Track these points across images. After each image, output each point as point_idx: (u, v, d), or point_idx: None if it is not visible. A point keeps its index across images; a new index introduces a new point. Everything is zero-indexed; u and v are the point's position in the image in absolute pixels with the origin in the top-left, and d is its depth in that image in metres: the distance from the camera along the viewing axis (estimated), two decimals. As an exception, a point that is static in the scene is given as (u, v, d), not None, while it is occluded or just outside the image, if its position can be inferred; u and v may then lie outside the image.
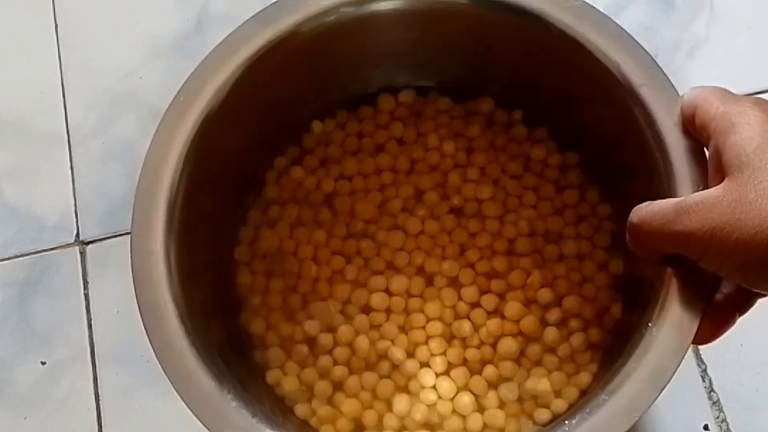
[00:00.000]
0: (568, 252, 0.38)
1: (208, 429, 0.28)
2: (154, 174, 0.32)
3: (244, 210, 0.40)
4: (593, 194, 0.39)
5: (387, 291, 0.37)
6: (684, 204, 0.26)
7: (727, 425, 0.41)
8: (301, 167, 0.40)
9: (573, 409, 0.32)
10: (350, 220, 0.39)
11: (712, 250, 0.26)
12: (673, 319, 0.28)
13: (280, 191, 0.40)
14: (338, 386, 0.36)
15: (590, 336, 0.36)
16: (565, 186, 0.39)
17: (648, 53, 0.32)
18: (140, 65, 0.50)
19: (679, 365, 0.28)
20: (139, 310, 0.30)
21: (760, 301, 0.29)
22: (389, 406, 0.36)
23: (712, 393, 0.41)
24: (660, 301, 0.29)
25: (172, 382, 0.29)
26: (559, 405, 0.35)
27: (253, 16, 0.34)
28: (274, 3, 0.34)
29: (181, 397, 0.29)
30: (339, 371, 0.36)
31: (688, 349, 0.28)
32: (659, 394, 0.27)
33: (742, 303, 0.29)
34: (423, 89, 0.41)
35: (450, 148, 0.40)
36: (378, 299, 0.37)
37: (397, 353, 0.36)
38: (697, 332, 0.28)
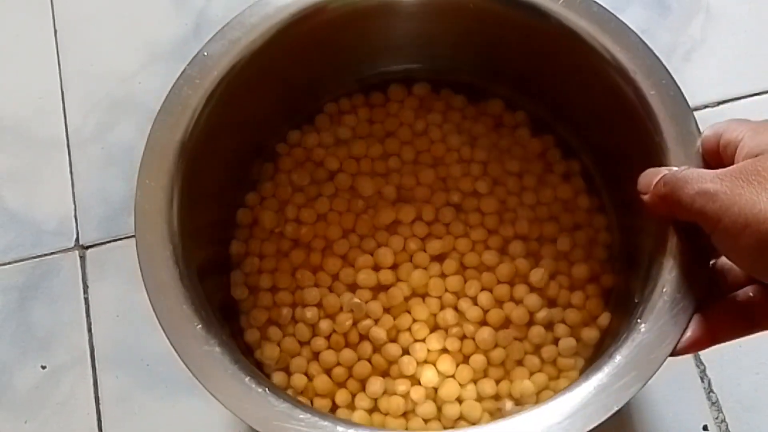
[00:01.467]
0: (562, 258, 0.38)
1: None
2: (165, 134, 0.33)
3: (253, 180, 0.41)
4: (587, 201, 0.40)
5: (375, 269, 0.38)
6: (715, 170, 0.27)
7: (726, 426, 0.41)
8: (316, 135, 0.41)
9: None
10: (351, 198, 0.40)
11: (731, 215, 0.25)
12: (659, 321, 0.29)
13: (292, 161, 0.41)
14: (316, 358, 0.37)
15: (577, 335, 0.37)
16: (565, 193, 0.40)
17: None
18: (139, 70, 0.50)
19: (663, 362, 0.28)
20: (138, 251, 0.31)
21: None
22: (362, 386, 0.36)
23: (711, 393, 0.41)
24: (652, 301, 0.29)
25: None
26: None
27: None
28: None
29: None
30: (318, 343, 0.37)
31: (669, 351, 0.28)
32: (645, 383, 0.28)
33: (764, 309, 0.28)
34: (437, 86, 0.42)
35: (455, 141, 0.40)
36: (365, 276, 0.38)
37: (379, 333, 0.36)
38: (717, 330, 0.28)
